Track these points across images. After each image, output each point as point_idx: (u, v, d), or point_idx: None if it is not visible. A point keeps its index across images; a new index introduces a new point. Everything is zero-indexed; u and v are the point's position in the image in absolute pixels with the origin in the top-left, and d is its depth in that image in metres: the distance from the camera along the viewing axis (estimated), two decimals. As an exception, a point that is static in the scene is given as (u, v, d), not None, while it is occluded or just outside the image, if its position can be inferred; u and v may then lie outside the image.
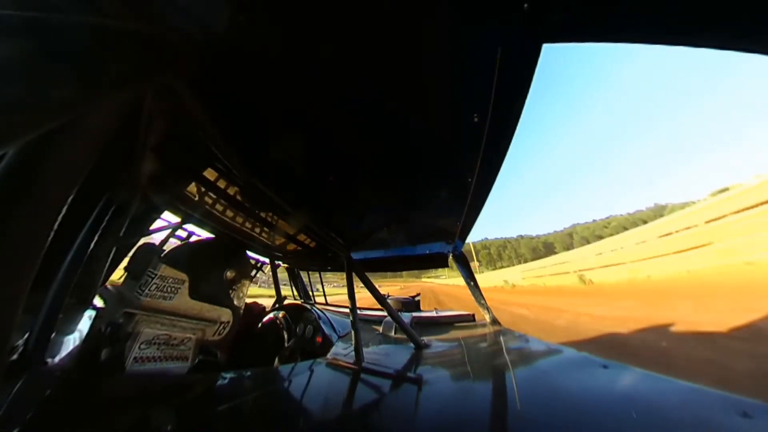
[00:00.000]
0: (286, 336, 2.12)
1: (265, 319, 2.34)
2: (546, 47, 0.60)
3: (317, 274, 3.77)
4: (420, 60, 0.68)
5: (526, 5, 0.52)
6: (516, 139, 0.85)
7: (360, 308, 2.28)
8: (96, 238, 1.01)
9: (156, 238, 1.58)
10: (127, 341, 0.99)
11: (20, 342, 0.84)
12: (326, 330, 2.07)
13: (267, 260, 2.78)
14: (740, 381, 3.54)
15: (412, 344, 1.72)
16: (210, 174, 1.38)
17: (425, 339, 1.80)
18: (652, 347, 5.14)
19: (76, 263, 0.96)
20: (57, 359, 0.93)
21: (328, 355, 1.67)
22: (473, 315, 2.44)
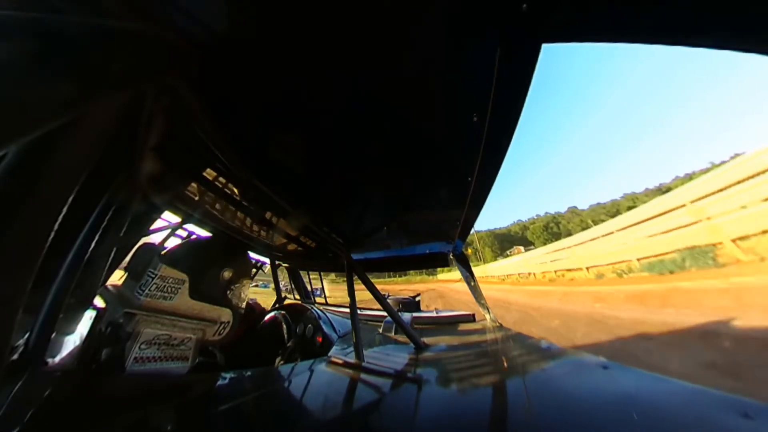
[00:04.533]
0: (286, 336, 2.12)
1: (265, 318, 2.34)
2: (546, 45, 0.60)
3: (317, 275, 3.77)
4: (420, 60, 0.68)
5: (524, 5, 0.52)
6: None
7: (360, 308, 2.28)
8: (96, 238, 1.01)
9: (156, 238, 1.58)
10: (127, 341, 0.99)
11: (20, 342, 0.84)
12: (326, 330, 2.07)
13: (267, 260, 2.78)
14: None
15: (412, 344, 1.72)
16: (210, 174, 1.38)
17: (425, 339, 1.79)
18: None
19: (76, 263, 0.96)
20: (57, 359, 0.93)
21: (329, 355, 1.67)
22: (473, 315, 2.44)
